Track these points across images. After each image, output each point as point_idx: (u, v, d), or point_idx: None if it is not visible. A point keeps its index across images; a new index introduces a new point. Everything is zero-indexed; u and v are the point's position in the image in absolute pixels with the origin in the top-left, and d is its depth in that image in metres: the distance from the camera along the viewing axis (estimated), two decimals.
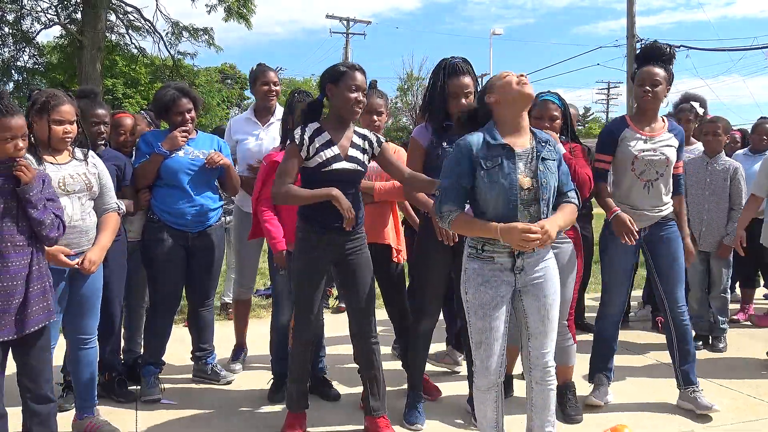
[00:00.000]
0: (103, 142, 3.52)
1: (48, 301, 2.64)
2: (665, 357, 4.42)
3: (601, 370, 3.65)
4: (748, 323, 5.33)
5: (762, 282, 5.91)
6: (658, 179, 3.43)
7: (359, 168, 3.02)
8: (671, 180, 3.49)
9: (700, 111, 4.90)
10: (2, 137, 2.48)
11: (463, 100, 3.16)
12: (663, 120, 3.52)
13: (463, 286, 2.66)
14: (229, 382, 3.92)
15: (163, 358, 3.80)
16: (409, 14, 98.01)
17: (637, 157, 3.40)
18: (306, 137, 2.94)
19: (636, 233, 3.33)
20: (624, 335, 4.98)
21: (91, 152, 3.12)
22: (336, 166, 2.94)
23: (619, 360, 4.25)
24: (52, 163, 2.91)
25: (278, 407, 3.54)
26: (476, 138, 2.56)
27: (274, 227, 3.46)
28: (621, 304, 3.61)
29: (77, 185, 2.95)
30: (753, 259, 5.17)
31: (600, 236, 3.63)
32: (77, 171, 2.98)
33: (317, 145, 2.94)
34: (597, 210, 5.44)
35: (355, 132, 3.08)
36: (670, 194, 3.52)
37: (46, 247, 2.76)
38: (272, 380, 3.71)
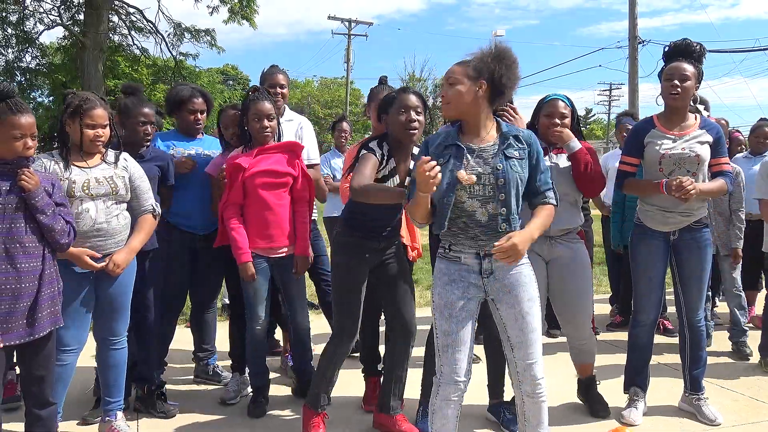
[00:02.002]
0: (148, 142, 3.45)
1: (56, 306, 2.63)
2: (666, 359, 4.44)
3: (635, 382, 3.51)
4: (750, 325, 5.33)
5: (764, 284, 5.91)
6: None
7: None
8: (706, 179, 3.30)
9: (705, 114, 4.90)
10: (12, 135, 2.48)
11: None
12: (695, 117, 3.34)
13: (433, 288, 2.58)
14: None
15: (165, 359, 3.80)
16: (413, 15, 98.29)
17: (664, 156, 3.24)
18: (385, 156, 2.96)
19: (689, 190, 3.09)
20: (624, 336, 4.98)
21: (124, 155, 3.09)
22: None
23: (620, 361, 4.25)
24: (79, 166, 2.90)
25: (279, 410, 3.55)
26: (438, 136, 2.55)
27: (240, 236, 3.33)
28: (654, 310, 3.45)
29: (102, 189, 2.93)
30: (756, 261, 5.17)
31: (630, 242, 3.50)
32: (104, 174, 2.96)
33: (387, 170, 2.97)
34: (595, 212, 5.46)
35: (413, 157, 3.05)
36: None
37: (72, 250, 2.78)
38: (251, 395, 3.55)
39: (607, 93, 53.29)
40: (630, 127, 5.35)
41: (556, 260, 3.33)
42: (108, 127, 2.97)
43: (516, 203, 2.47)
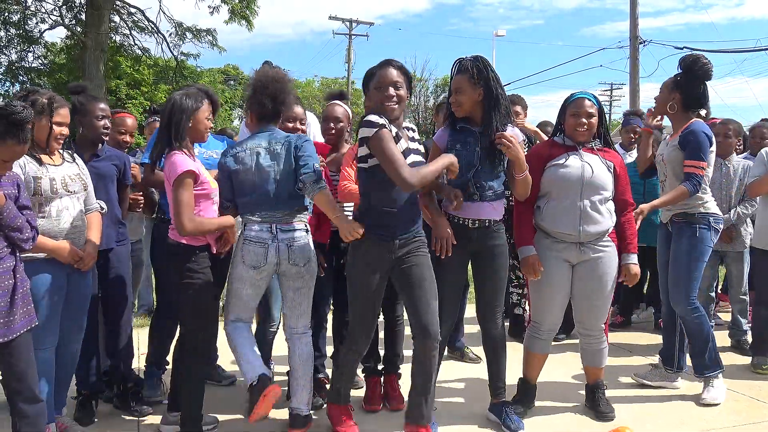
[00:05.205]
0: (107, 137, 3.45)
1: (29, 305, 2.62)
2: None
3: (714, 365, 3.69)
4: (751, 325, 5.32)
5: None
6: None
7: (423, 160, 3.02)
8: (674, 182, 3.64)
9: (702, 112, 4.89)
10: (2, 159, 2.45)
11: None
12: (691, 122, 3.65)
13: None
14: (231, 383, 3.92)
15: (166, 358, 3.80)
16: (417, 16, 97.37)
17: (657, 161, 3.83)
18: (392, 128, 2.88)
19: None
20: (625, 336, 4.99)
21: (75, 154, 3.13)
22: (410, 159, 2.91)
23: (620, 361, 4.26)
24: (50, 164, 2.92)
25: (280, 411, 3.55)
26: None
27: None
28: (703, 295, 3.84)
29: (76, 185, 2.98)
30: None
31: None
32: (73, 171, 3.01)
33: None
34: None
35: (405, 127, 3.06)
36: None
37: (53, 243, 2.80)
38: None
39: (608, 93, 53.07)
40: (639, 128, 5.34)
41: (583, 264, 3.30)
42: (67, 127, 3.00)
43: None
